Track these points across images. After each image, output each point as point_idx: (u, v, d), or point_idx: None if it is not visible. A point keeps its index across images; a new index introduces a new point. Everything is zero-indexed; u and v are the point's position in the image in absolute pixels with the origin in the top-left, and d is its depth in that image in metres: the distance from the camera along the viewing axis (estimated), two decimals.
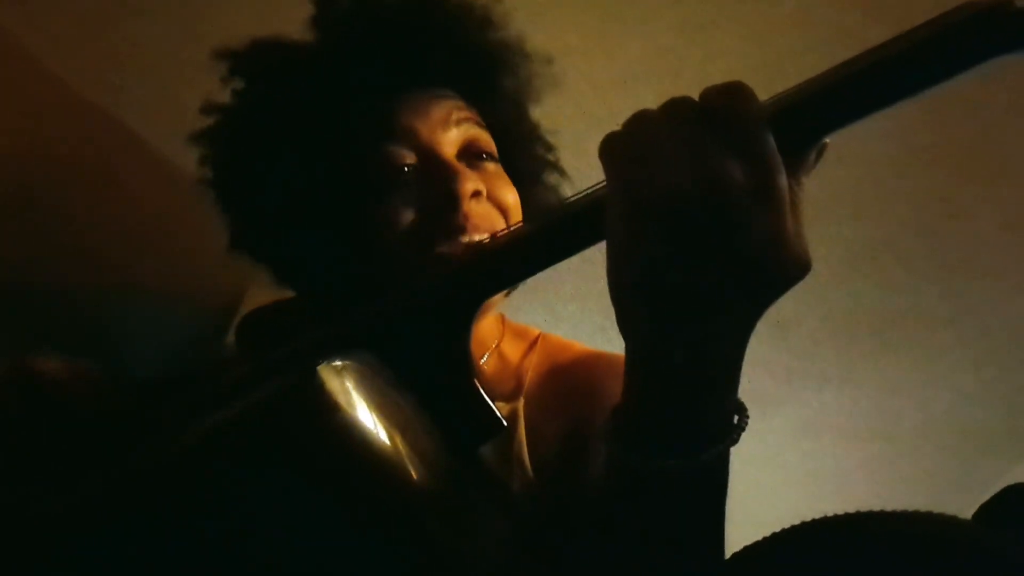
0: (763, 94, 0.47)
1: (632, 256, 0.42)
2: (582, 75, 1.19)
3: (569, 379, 0.73)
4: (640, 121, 0.43)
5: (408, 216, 0.65)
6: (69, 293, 1.06)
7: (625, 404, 0.48)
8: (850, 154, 1.30)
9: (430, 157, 0.67)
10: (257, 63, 0.74)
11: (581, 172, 1.25)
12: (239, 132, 0.74)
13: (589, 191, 0.53)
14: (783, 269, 0.42)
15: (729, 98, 0.42)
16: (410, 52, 0.70)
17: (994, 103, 1.27)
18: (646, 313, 0.44)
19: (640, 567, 0.50)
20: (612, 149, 0.43)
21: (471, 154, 0.69)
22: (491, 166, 0.70)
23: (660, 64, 1.17)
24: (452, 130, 0.69)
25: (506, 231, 0.64)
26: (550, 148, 0.80)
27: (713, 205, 0.40)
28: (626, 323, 0.46)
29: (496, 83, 0.75)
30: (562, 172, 0.80)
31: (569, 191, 0.55)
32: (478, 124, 0.71)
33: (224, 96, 0.75)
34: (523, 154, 0.77)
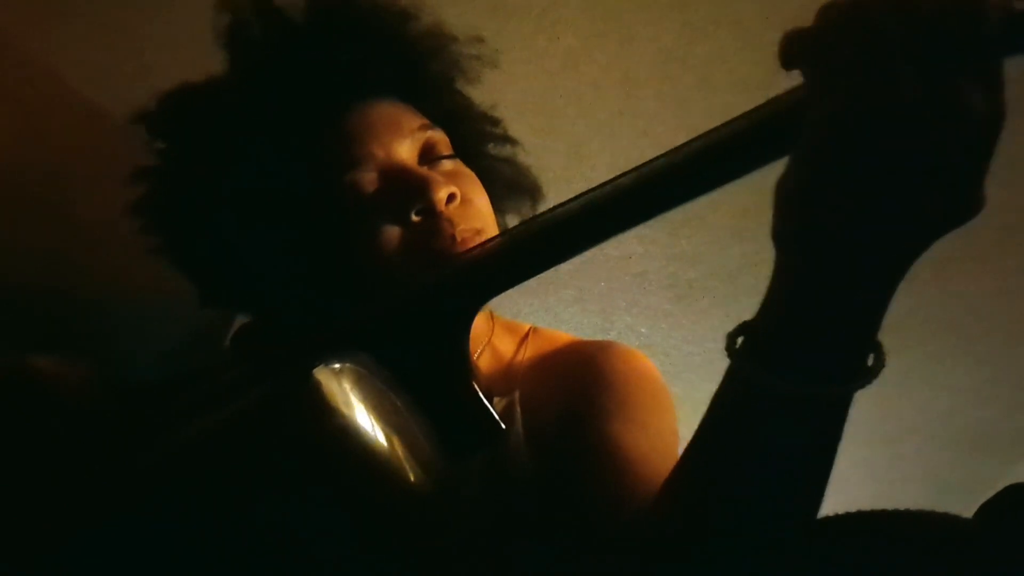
0: (764, 96, 0.47)
1: (830, 165, 0.39)
2: (583, 78, 1.19)
3: (561, 365, 0.73)
4: (866, 15, 0.38)
5: (394, 237, 0.63)
6: (68, 293, 1.06)
7: (765, 322, 0.45)
8: None
9: (394, 174, 0.65)
10: (177, 118, 0.71)
11: (583, 174, 1.26)
12: (181, 194, 0.70)
13: (586, 194, 0.53)
14: (968, 209, 0.40)
15: (970, 11, 0.37)
16: (334, 68, 0.68)
17: None
18: (825, 223, 0.40)
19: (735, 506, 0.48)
20: (829, 44, 0.39)
21: (430, 158, 0.68)
22: (450, 164, 0.69)
23: (662, 66, 1.17)
24: (406, 140, 0.67)
25: (502, 235, 0.64)
26: (495, 122, 0.79)
27: (946, 131, 0.37)
28: (796, 230, 0.42)
29: (427, 73, 0.73)
30: (513, 142, 0.79)
31: (568, 192, 0.55)
32: (428, 127, 0.69)
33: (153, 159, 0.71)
34: (467, 133, 0.75)
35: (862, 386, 0.44)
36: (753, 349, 0.45)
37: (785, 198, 0.42)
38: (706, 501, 0.49)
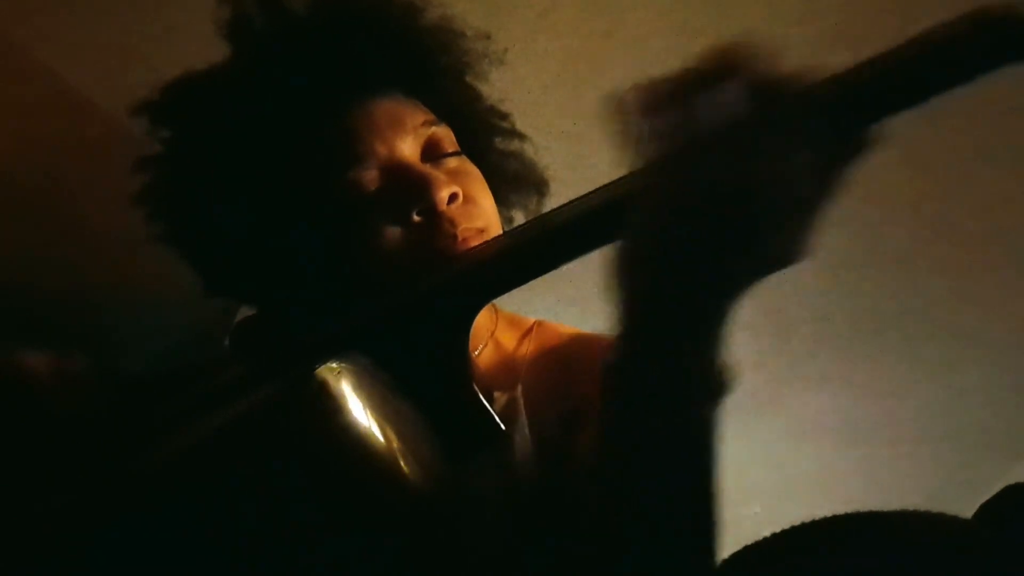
0: None
1: (657, 233, 0.43)
2: (583, 78, 1.19)
3: (565, 360, 0.73)
4: (686, 95, 0.43)
5: (395, 237, 0.63)
6: (68, 292, 1.06)
7: (616, 360, 0.49)
8: None
9: (396, 172, 0.64)
10: (181, 106, 0.71)
11: (583, 174, 1.25)
12: (185, 184, 0.70)
13: (585, 197, 0.53)
14: (792, 258, 0.44)
15: (781, 83, 0.41)
16: (338, 62, 0.67)
17: (994, 105, 1.27)
18: (653, 273, 0.45)
19: (636, 537, 0.50)
20: (658, 108, 0.44)
21: (435, 155, 0.67)
22: (454, 162, 0.68)
23: (662, 66, 1.16)
24: (409, 137, 0.66)
25: (504, 236, 0.63)
26: (503, 116, 0.78)
27: (763, 205, 0.40)
28: (624, 283, 0.46)
29: (434, 68, 0.73)
30: (521, 137, 0.79)
31: (569, 193, 0.55)
32: (432, 122, 0.68)
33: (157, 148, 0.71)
34: (474, 127, 0.75)
35: (719, 402, 0.47)
36: (611, 387, 0.49)
37: (623, 254, 0.46)
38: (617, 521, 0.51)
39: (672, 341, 0.46)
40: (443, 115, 0.70)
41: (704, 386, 0.47)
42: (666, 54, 1.17)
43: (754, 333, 1.54)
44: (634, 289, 0.46)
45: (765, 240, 0.42)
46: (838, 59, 0.46)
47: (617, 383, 0.49)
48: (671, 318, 0.46)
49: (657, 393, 0.47)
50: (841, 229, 1.43)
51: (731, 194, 0.41)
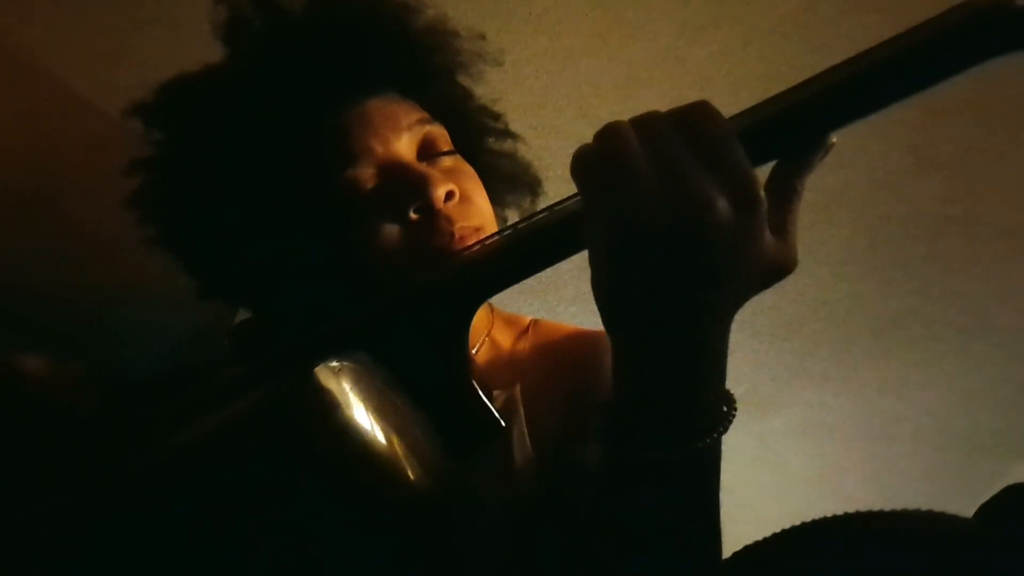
0: (763, 96, 0.47)
1: (615, 274, 0.45)
2: (584, 78, 1.19)
3: (563, 358, 0.73)
4: (614, 142, 0.44)
5: (393, 235, 0.63)
6: (68, 293, 1.06)
7: (614, 400, 0.49)
8: (851, 157, 1.30)
9: (393, 170, 0.64)
10: (175, 108, 0.71)
11: None
12: (178, 187, 0.71)
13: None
14: (761, 277, 0.45)
15: (698, 118, 0.43)
16: (333, 62, 0.67)
17: (994, 105, 1.27)
18: (629, 319, 0.46)
19: (639, 561, 0.51)
20: (588, 174, 0.45)
21: (430, 154, 0.68)
22: (449, 161, 0.68)
23: (662, 66, 1.17)
24: (404, 135, 0.66)
25: (502, 232, 0.63)
26: (496, 116, 0.78)
27: (697, 236, 0.42)
28: (611, 325, 0.48)
29: (429, 67, 0.73)
30: (513, 137, 0.79)
31: (568, 192, 0.55)
32: (427, 121, 0.68)
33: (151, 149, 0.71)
34: (467, 127, 0.75)
35: (720, 435, 0.48)
36: (609, 427, 0.49)
37: (594, 298, 0.48)
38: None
39: (667, 372, 0.47)
40: (437, 115, 0.70)
41: (705, 419, 0.48)
42: (666, 54, 1.17)
43: (754, 333, 1.55)
44: (616, 326, 0.48)
45: (711, 265, 0.43)
46: (836, 54, 0.46)
47: (609, 428, 0.49)
48: (658, 347, 0.46)
49: (655, 435, 0.48)
50: (841, 229, 1.43)
51: (663, 231, 0.42)
